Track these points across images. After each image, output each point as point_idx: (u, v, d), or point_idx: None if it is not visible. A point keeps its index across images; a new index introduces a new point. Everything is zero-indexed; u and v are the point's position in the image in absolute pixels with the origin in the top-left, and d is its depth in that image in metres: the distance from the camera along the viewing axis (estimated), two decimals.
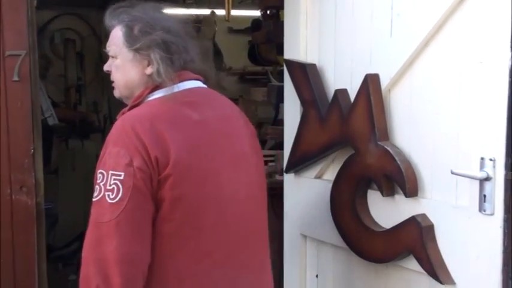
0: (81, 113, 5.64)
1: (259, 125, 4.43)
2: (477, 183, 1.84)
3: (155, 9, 1.80)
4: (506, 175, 1.79)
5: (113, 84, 1.83)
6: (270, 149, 4.02)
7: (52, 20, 5.81)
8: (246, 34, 5.88)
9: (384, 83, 2.12)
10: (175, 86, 1.73)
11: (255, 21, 5.46)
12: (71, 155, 5.15)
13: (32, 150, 2.53)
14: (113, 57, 1.80)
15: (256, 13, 5.03)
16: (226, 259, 1.72)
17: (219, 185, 1.71)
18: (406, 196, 2.03)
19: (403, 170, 2.01)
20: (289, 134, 2.54)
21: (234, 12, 4.97)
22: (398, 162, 2.03)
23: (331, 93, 2.32)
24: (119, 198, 1.56)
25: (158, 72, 1.72)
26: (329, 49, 2.38)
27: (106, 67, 1.83)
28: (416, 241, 2.00)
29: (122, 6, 1.79)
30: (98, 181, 1.60)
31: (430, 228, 1.98)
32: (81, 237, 2.62)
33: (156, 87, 1.74)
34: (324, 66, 2.40)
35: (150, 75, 1.74)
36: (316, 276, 2.53)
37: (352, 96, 2.20)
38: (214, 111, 1.78)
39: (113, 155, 1.60)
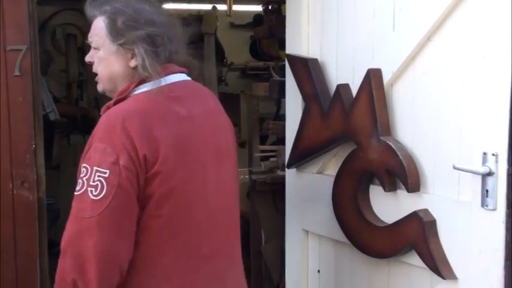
0: (83, 109, 5.63)
1: (260, 120, 4.42)
2: (479, 178, 1.83)
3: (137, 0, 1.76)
4: (508, 170, 1.79)
5: (96, 78, 1.80)
6: (272, 144, 4.00)
7: (53, 15, 5.79)
8: (248, 29, 5.87)
9: (386, 77, 2.11)
10: (161, 79, 1.71)
11: (257, 16, 5.46)
12: (73, 150, 5.14)
13: (34, 146, 2.53)
14: (95, 48, 1.77)
15: (258, 8, 5.03)
16: (215, 253, 1.73)
17: (205, 180, 1.71)
18: (408, 191, 2.02)
19: (405, 165, 2.01)
20: (291, 129, 2.53)
21: (236, 7, 4.96)
22: (401, 157, 2.02)
23: (333, 88, 2.31)
24: (103, 196, 1.55)
25: (144, 66, 1.69)
26: (331, 44, 2.37)
27: (88, 58, 1.79)
28: (418, 236, 1.99)
29: None
30: (81, 175, 1.59)
31: (432, 223, 1.98)
32: None
33: (142, 81, 1.72)
34: (325, 61, 2.40)
35: (134, 68, 1.72)
36: (318, 271, 2.53)
37: (354, 91, 2.19)
38: (200, 106, 1.78)
39: (99, 151, 1.58)
